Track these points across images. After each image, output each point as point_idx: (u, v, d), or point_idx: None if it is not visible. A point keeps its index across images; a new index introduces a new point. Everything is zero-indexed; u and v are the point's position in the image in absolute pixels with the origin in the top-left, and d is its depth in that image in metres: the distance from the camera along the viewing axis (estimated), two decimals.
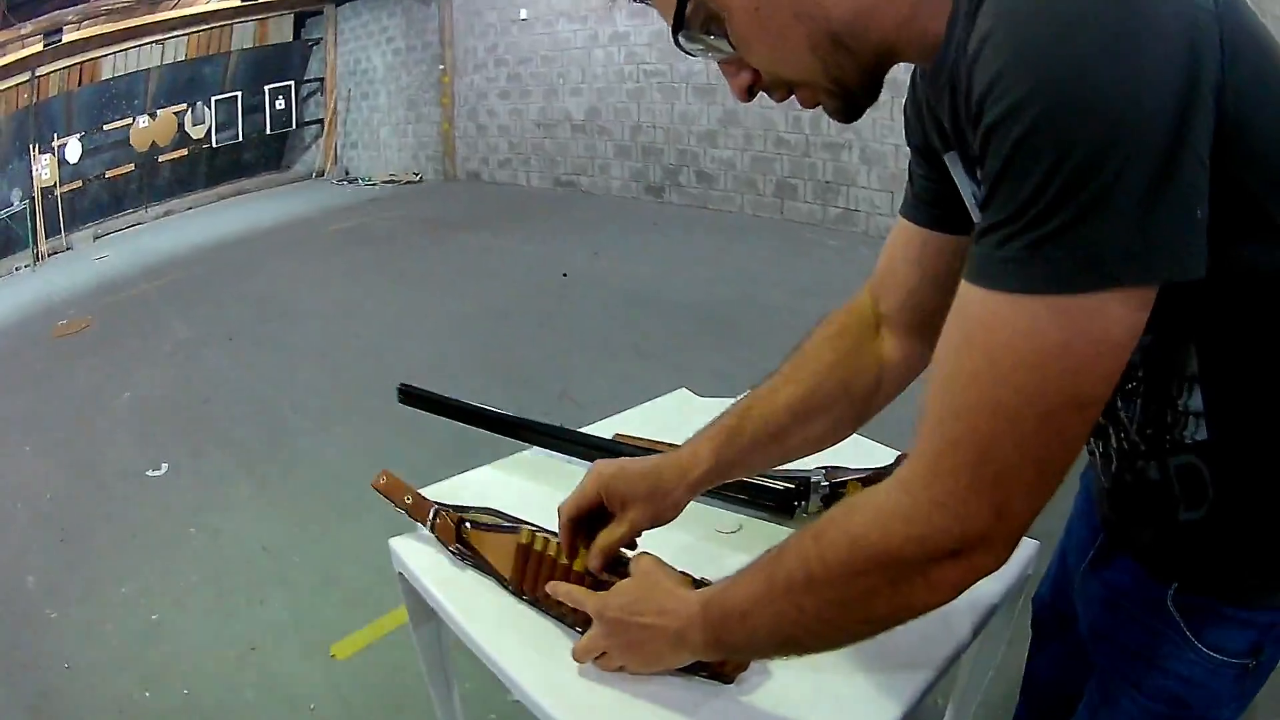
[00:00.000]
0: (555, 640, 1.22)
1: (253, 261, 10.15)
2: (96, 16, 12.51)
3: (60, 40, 12.34)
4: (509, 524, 1.35)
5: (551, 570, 1.25)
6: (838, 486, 1.49)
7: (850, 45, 0.84)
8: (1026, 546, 1.42)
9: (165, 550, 3.88)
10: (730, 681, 1.14)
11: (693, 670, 1.13)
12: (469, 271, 8.55)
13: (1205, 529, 0.95)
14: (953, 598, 0.81)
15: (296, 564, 3.61)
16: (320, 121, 17.57)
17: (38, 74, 13.11)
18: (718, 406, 1.29)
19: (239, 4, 13.45)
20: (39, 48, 12.15)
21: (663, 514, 1.23)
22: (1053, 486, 0.74)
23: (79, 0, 12.30)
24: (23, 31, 11.52)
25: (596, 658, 1.15)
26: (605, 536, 1.21)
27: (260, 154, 17.36)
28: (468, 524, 1.37)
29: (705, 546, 1.45)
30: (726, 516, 1.52)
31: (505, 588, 1.31)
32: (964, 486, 0.74)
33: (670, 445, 1.52)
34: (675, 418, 1.78)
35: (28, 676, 3.16)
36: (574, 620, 1.22)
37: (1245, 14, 0.74)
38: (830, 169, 9.16)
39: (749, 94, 0.93)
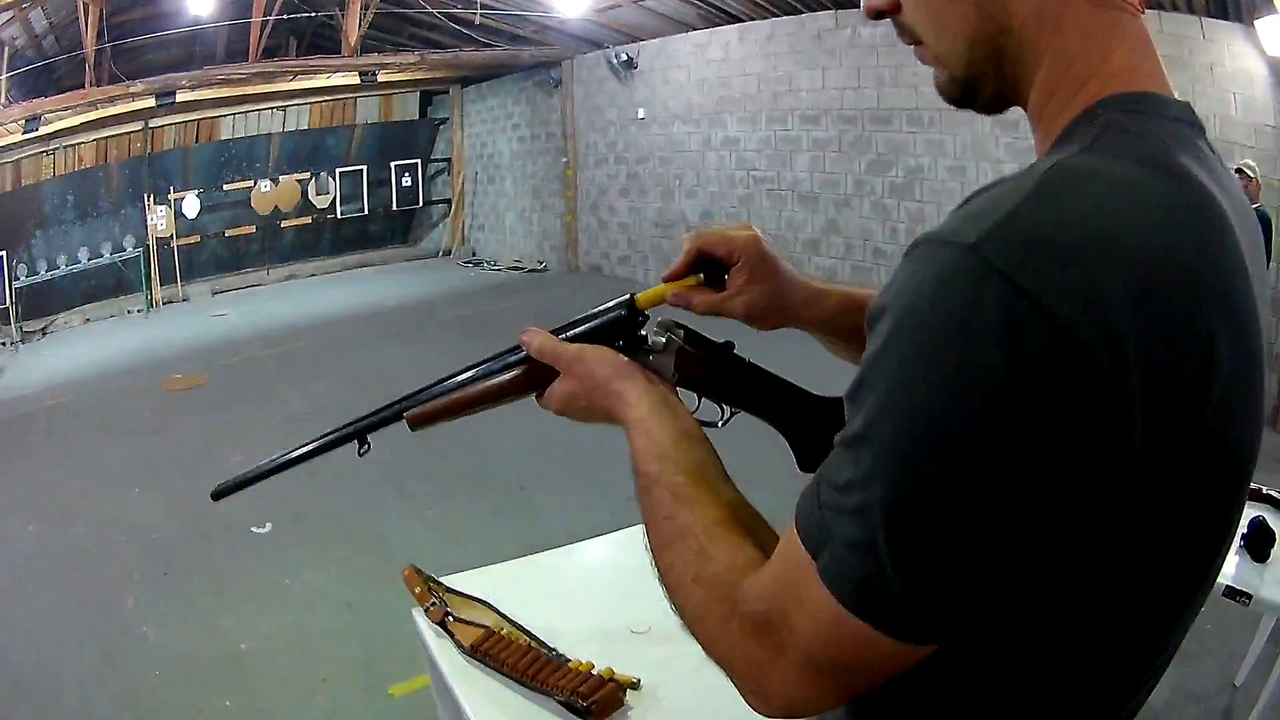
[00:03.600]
0: (506, 691, 1.90)
1: (371, 341, 10.95)
2: (210, 84, 13.25)
3: (173, 101, 13.10)
4: (479, 624, 2.07)
5: (508, 649, 1.95)
6: None
7: (1004, 61, 0.87)
8: None
9: (261, 595, 4.73)
10: None
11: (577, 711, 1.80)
12: None
13: None
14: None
15: (374, 619, 4.37)
16: (447, 201, 18.53)
17: (151, 125, 14.11)
18: None
19: (358, 80, 14.32)
20: (151, 103, 12.93)
21: (773, 290, 1.22)
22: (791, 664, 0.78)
23: (193, 65, 13.14)
24: (133, 89, 12.21)
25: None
26: (707, 295, 1.22)
27: (386, 228, 18.32)
28: (450, 617, 2.11)
29: (619, 642, 2.05)
30: (640, 616, 2.11)
31: (464, 652, 2.01)
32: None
33: None
34: None
35: (119, 676, 4.06)
36: (519, 677, 1.88)
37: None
38: None
39: (877, 15, 0.94)
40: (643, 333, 1.19)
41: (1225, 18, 7.28)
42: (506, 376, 1.21)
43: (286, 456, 1.26)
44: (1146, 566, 0.75)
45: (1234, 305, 0.72)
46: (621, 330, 1.18)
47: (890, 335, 0.70)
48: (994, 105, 0.91)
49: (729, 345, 1.21)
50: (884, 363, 0.70)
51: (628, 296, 1.18)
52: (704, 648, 0.88)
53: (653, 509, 0.98)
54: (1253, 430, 0.77)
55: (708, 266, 1.20)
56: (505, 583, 2.33)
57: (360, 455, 1.24)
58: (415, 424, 1.24)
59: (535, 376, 1.19)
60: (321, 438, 1.24)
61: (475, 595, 2.21)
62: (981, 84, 0.88)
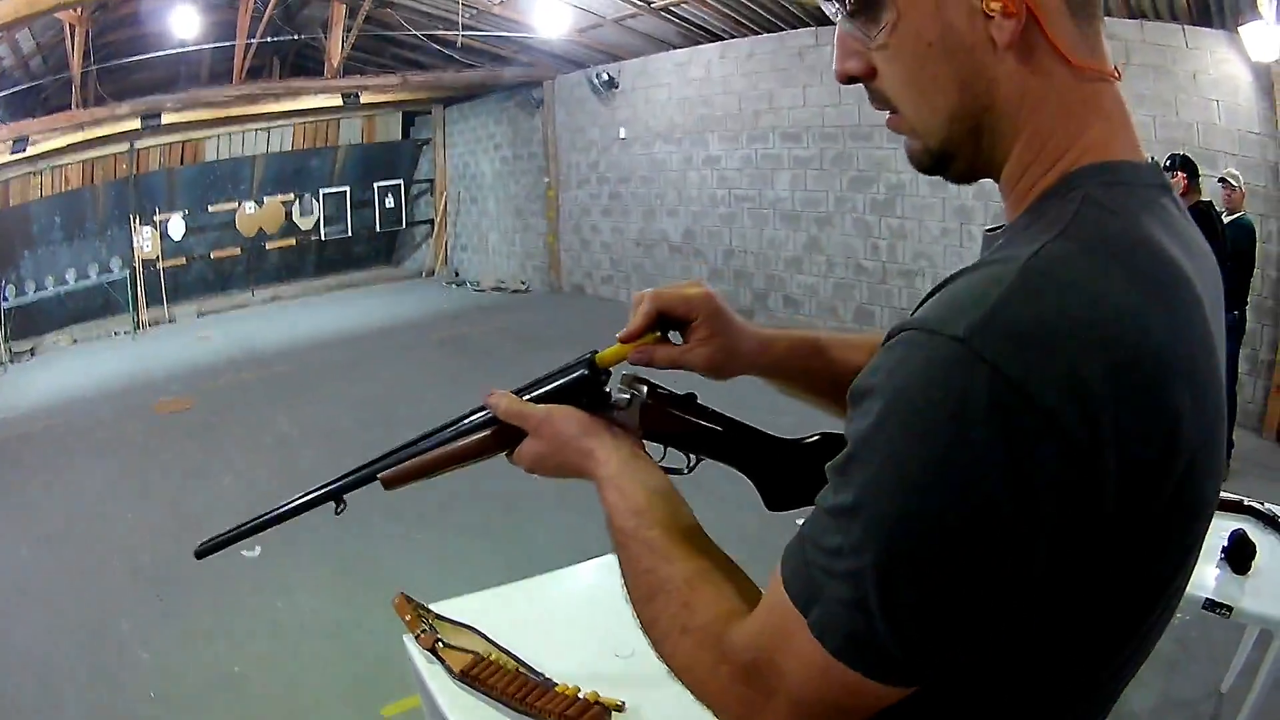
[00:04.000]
0: (496, 715, 1.96)
1: (358, 363, 10.99)
2: (195, 106, 13.25)
3: (158, 124, 13.13)
4: (469, 649, 2.12)
5: (497, 674, 2.01)
6: None
7: (982, 136, 0.88)
8: None
9: (253, 619, 4.76)
10: None
11: None
12: None
13: None
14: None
15: (364, 641, 4.40)
16: (430, 222, 18.50)
17: (137, 146, 14.15)
18: None
19: (341, 102, 14.27)
20: (136, 125, 12.96)
21: (727, 343, 1.23)
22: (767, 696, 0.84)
23: (177, 86, 13.18)
24: (118, 111, 12.29)
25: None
26: (668, 350, 1.22)
27: (370, 249, 18.39)
28: (440, 643, 2.16)
29: (604, 666, 2.12)
30: (624, 641, 2.15)
31: (454, 678, 2.07)
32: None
33: None
34: None
35: (113, 698, 4.12)
36: (508, 702, 1.95)
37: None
38: (905, 296, 9.93)
39: (849, 81, 0.93)
40: (606, 389, 1.22)
41: (1209, 24, 7.30)
42: (476, 438, 1.23)
43: (266, 516, 1.29)
44: (1111, 608, 0.81)
45: (1198, 375, 0.77)
46: (585, 388, 1.21)
47: (880, 417, 0.75)
48: (965, 177, 0.94)
49: (691, 397, 1.25)
50: (875, 442, 0.75)
51: (588, 356, 1.22)
52: (694, 693, 0.92)
53: (631, 563, 1.04)
54: (1213, 481, 0.83)
55: (664, 325, 1.22)
56: (493, 609, 2.39)
57: (337, 514, 1.29)
58: (389, 484, 1.28)
59: (504, 436, 1.22)
60: (301, 498, 1.28)
61: (464, 621, 2.27)
62: (957, 158, 0.90)
